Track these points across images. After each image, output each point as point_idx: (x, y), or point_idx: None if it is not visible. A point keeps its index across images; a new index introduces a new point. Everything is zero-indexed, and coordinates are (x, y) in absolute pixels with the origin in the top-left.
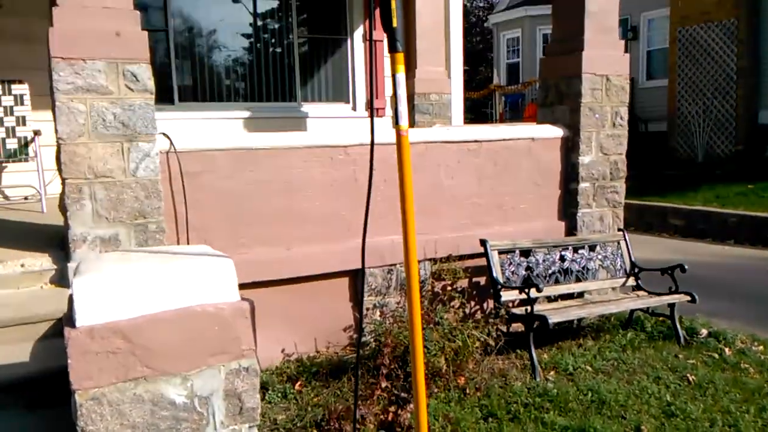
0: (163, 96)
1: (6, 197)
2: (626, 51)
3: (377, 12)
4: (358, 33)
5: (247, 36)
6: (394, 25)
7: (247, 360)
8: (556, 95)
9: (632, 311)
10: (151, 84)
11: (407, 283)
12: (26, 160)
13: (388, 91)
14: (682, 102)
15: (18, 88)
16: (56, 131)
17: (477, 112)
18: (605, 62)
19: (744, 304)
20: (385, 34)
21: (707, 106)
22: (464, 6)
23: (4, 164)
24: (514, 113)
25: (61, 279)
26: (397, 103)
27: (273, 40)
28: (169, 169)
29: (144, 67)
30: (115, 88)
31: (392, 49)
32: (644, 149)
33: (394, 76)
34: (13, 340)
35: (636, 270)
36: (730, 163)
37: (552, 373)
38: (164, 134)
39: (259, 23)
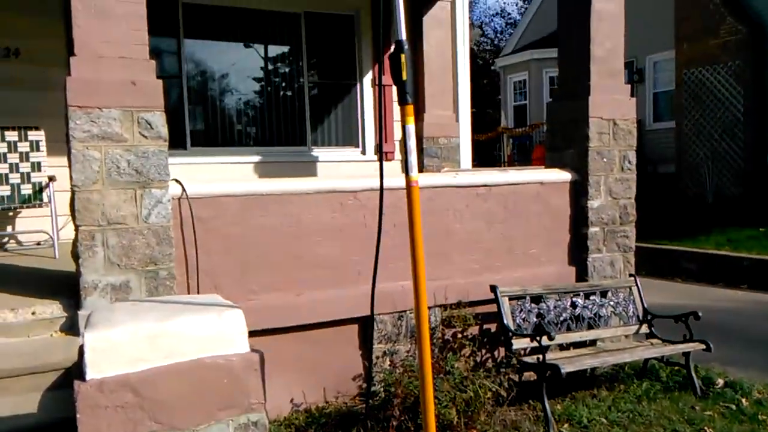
0: (176, 141)
1: (19, 243)
2: (633, 93)
3: (386, 57)
4: (368, 78)
5: (258, 80)
6: (404, 78)
7: (256, 414)
8: (563, 139)
9: (646, 360)
10: (165, 131)
11: (417, 331)
12: (40, 206)
13: (397, 135)
14: (690, 144)
15: (34, 135)
16: (71, 178)
17: (485, 153)
18: (612, 106)
19: (760, 351)
20: (395, 86)
21: (715, 147)
22: (471, 50)
23: (18, 210)
24: (522, 155)
25: (71, 327)
26: (407, 154)
27: (284, 85)
28: (180, 215)
29: (158, 115)
30: (129, 135)
31: (402, 102)
32: (654, 191)
33: (404, 127)
34: (22, 389)
35: (649, 317)
36: (740, 205)
37: (566, 425)
38: (177, 180)
39: (270, 68)
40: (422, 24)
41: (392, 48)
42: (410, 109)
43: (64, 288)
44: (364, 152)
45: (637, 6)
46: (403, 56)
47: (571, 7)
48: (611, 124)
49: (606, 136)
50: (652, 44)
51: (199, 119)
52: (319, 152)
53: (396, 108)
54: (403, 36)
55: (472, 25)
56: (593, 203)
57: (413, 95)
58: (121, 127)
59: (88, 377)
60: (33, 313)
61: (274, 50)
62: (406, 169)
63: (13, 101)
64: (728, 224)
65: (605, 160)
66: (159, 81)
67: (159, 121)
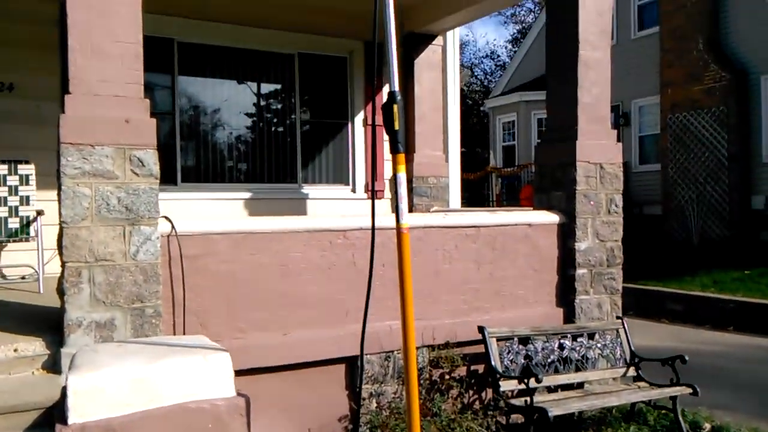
0: (167, 176)
1: (3, 276)
2: (619, 136)
3: (378, 97)
4: (359, 117)
5: (250, 117)
6: (396, 128)
7: None
8: (551, 182)
9: (634, 403)
10: (156, 169)
11: (405, 373)
12: (27, 240)
13: (387, 174)
14: (676, 187)
15: (24, 168)
16: (60, 214)
17: (474, 192)
18: (599, 151)
19: (747, 395)
20: (387, 136)
21: (700, 190)
22: (462, 90)
23: (4, 244)
24: (511, 194)
25: (54, 365)
26: (398, 201)
27: (275, 122)
28: (169, 253)
29: (150, 153)
30: (121, 172)
31: (394, 151)
32: (640, 232)
33: (395, 175)
34: (0, 429)
35: (636, 360)
36: (725, 247)
37: None
38: (166, 218)
39: (263, 105)
40: (414, 66)
41: (384, 96)
42: (401, 157)
43: (48, 324)
44: (354, 190)
45: (623, 52)
46: (395, 107)
47: (558, 55)
48: (598, 168)
49: (593, 180)
50: (638, 89)
51: (190, 155)
52: (309, 189)
53: (387, 147)
54: (396, 87)
55: (462, 66)
56: (581, 245)
57: (403, 134)
58: (113, 165)
59: (70, 421)
60: (15, 350)
61: (267, 88)
62: (396, 215)
63: (5, 135)
64: (714, 266)
65: (592, 203)
66: (152, 119)
67: (151, 159)
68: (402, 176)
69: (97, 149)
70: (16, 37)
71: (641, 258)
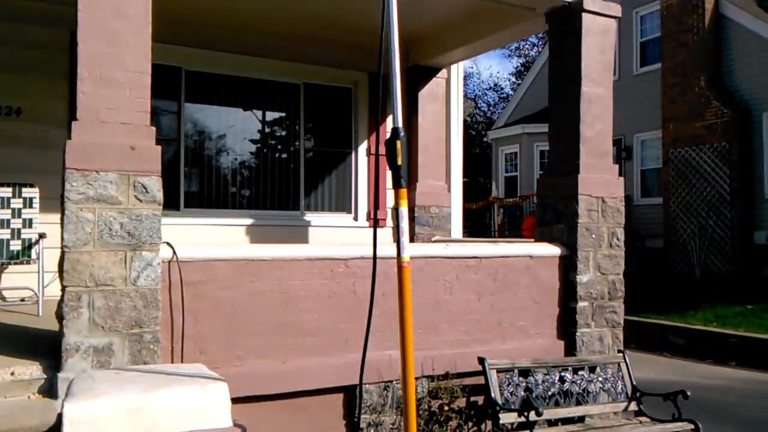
0: (170, 202)
1: (3, 298)
2: (621, 169)
3: (382, 128)
4: (362, 147)
5: (254, 144)
6: (399, 163)
7: None
8: (553, 214)
9: None
10: (160, 196)
11: (404, 403)
12: (28, 263)
13: (389, 203)
14: (678, 221)
15: (28, 192)
16: (62, 238)
17: (476, 222)
18: (601, 185)
19: (749, 430)
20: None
21: (702, 225)
22: (465, 121)
23: (5, 266)
24: (513, 225)
25: (50, 389)
26: (400, 235)
27: (280, 149)
28: (169, 278)
29: (155, 180)
30: (124, 198)
31: (397, 185)
32: (642, 265)
33: (397, 209)
34: None
35: (638, 394)
36: (728, 281)
37: None
38: (168, 243)
39: (267, 132)
40: (418, 98)
41: (388, 126)
42: (404, 192)
43: (45, 348)
44: (356, 218)
45: (625, 87)
46: (398, 142)
47: (561, 90)
48: (600, 202)
49: (595, 213)
50: (640, 124)
51: (194, 180)
52: (311, 217)
53: (389, 176)
54: (400, 123)
55: (465, 97)
56: (582, 278)
57: (406, 164)
58: (117, 191)
59: None
60: (12, 374)
61: (272, 116)
62: (398, 249)
63: (11, 158)
64: (716, 300)
65: (594, 236)
66: (158, 146)
67: (155, 185)
68: (404, 210)
69: (102, 175)
70: (26, 63)
71: (643, 291)
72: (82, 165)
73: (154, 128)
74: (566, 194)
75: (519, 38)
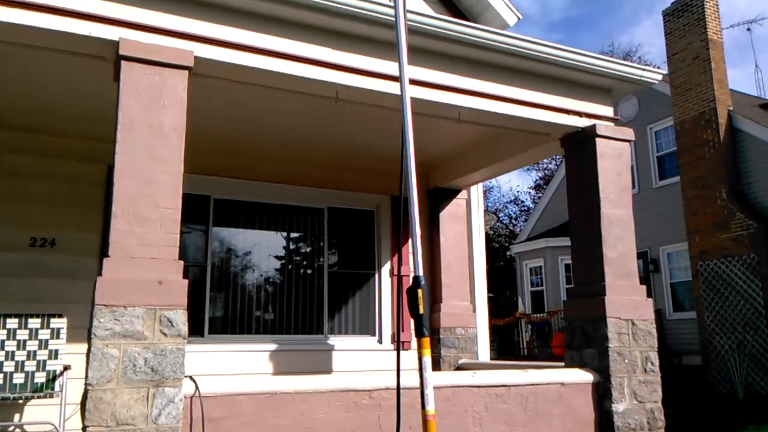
0: (194, 328)
1: None
2: (649, 283)
3: (405, 249)
4: (386, 268)
5: (279, 268)
6: (421, 311)
7: None
8: (582, 338)
9: None
10: (185, 329)
11: None
12: (51, 396)
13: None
14: (714, 336)
15: (56, 322)
16: (86, 376)
17: (504, 338)
18: (629, 306)
19: None
20: (412, 320)
21: (740, 340)
22: (487, 234)
23: (28, 399)
24: (542, 341)
25: None
26: (423, 387)
27: (303, 273)
28: (191, 415)
29: (180, 313)
30: (150, 333)
31: (419, 334)
32: (680, 384)
33: (420, 359)
34: None
35: None
36: None
37: None
38: (191, 378)
39: (292, 256)
40: (439, 219)
41: (410, 247)
42: (426, 341)
43: None
44: (380, 341)
45: (646, 200)
46: (420, 291)
47: (580, 212)
48: (630, 324)
49: (626, 337)
50: (665, 236)
51: (219, 306)
52: (335, 341)
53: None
54: (420, 271)
55: (487, 211)
56: (618, 407)
57: (430, 285)
58: (143, 325)
59: None
60: None
61: (297, 240)
62: (422, 402)
63: (42, 289)
64: (762, 421)
65: (627, 360)
66: (185, 280)
67: (180, 319)
68: (427, 360)
69: (129, 310)
70: (62, 196)
71: (684, 412)
72: (111, 301)
73: (182, 262)
74: (594, 317)
75: (536, 161)
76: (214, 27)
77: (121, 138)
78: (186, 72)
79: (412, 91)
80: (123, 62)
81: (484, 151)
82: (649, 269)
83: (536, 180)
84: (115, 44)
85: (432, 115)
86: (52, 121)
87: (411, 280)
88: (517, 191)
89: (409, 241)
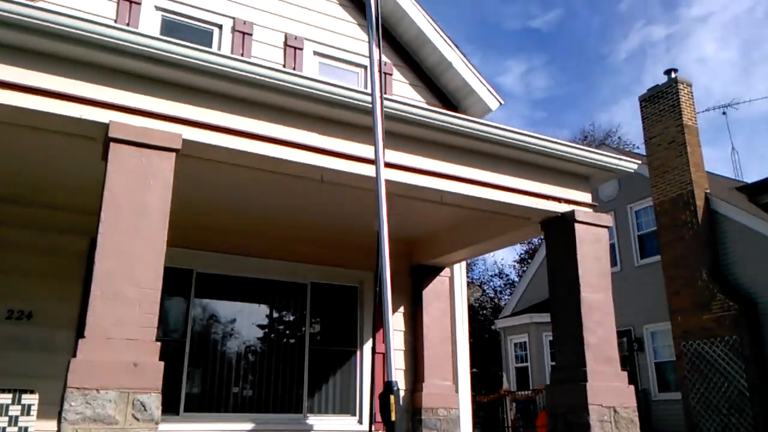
0: (170, 405)
1: None
2: (634, 362)
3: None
4: (367, 346)
5: (259, 342)
6: (393, 419)
7: None
8: (565, 425)
9: None
10: (158, 414)
11: None
12: None
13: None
14: (700, 418)
15: (28, 398)
16: None
17: (488, 414)
18: (611, 393)
19: None
20: (384, 426)
21: (725, 423)
22: (471, 307)
23: None
24: (526, 420)
25: None
26: None
27: (284, 348)
28: None
29: (154, 397)
30: (121, 417)
31: None
32: None
33: None
34: None
35: None
36: None
37: None
38: None
39: (272, 331)
40: (422, 296)
41: (393, 327)
42: None
43: None
44: (360, 421)
45: (628, 278)
46: (392, 397)
47: (561, 295)
48: (612, 412)
49: (608, 425)
50: (648, 314)
51: (195, 382)
52: (314, 420)
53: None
54: (393, 375)
55: (472, 283)
56: None
57: (412, 363)
58: (115, 409)
59: None
60: None
61: (278, 315)
62: None
63: (16, 363)
64: None
65: None
66: (161, 363)
67: (154, 403)
68: None
69: (101, 393)
70: (41, 268)
71: None
72: (83, 384)
73: (158, 344)
74: (576, 404)
75: (518, 242)
76: (202, 111)
77: (104, 217)
78: (173, 154)
79: (395, 175)
80: (112, 144)
81: (467, 232)
82: (633, 348)
83: (520, 254)
84: (105, 126)
85: (414, 198)
86: (35, 193)
87: (383, 385)
88: (502, 264)
89: (395, 314)
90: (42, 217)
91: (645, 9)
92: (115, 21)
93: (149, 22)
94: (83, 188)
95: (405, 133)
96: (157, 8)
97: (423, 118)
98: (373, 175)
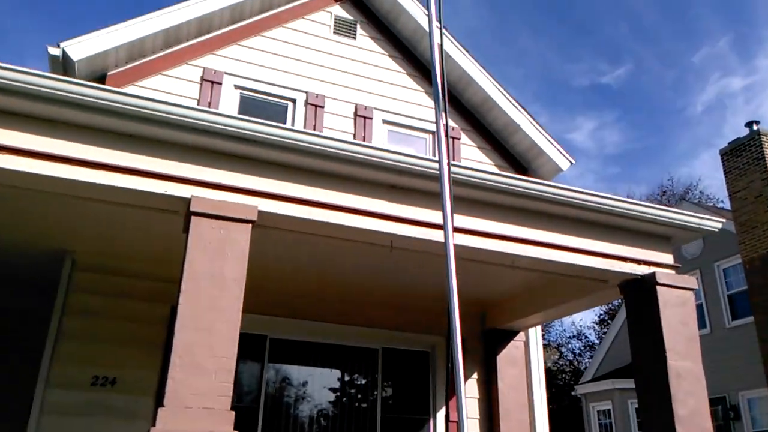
0: None
1: None
2: (731, 430)
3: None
4: (441, 413)
5: (331, 412)
6: None
7: None
8: None
9: None
10: None
11: None
12: None
13: None
14: None
15: None
16: None
17: None
18: None
19: None
20: None
21: None
22: (549, 370)
23: None
24: None
25: None
26: None
27: (356, 417)
28: None
29: None
30: None
31: None
32: None
33: None
34: None
35: None
36: None
37: None
38: None
39: (344, 397)
40: (497, 362)
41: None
42: None
43: None
44: None
45: (718, 340)
46: None
47: (646, 363)
48: None
49: None
50: (744, 380)
51: None
52: None
53: None
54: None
55: (548, 346)
56: None
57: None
58: None
59: None
60: None
61: (350, 382)
62: None
63: (100, 428)
64: None
65: None
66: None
67: None
68: None
69: None
70: (124, 335)
71: None
72: None
73: (233, 413)
74: None
75: (596, 305)
76: (276, 183)
77: (184, 288)
78: (249, 225)
79: (463, 240)
80: (193, 217)
81: (542, 295)
82: (728, 416)
83: (600, 314)
84: (186, 201)
85: (484, 262)
86: (122, 263)
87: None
88: (581, 326)
89: (467, 382)
90: (129, 285)
91: (720, 61)
92: (198, 100)
93: (229, 100)
94: (164, 257)
95: (472, 198)
96: (237, 87)
97: (489, 182)
98: (442, 240)
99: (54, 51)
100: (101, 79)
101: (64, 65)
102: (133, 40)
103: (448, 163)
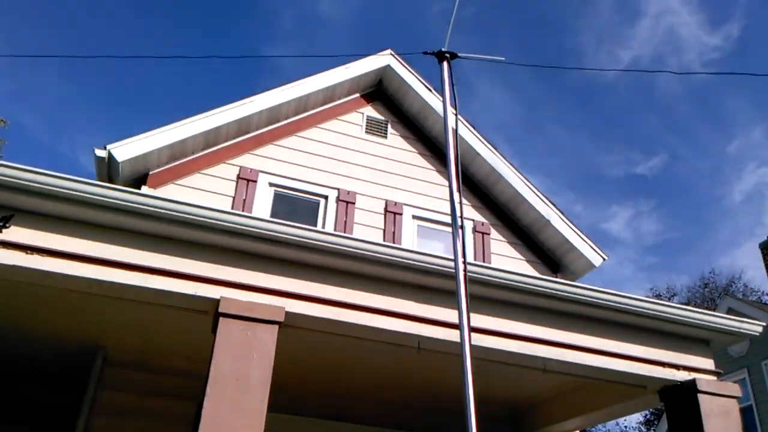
0: None
1: None
2: None
3: None
4: None
5: None
6: None
7: None
8: None
9: None
10: None
11: None
12: None
13: None
14: None
15: None
16: None
17: None
18: None
19: None
20: None
21: None
22: None
23: None
24: None
25: None
26: None
27: None
28: None
29: None
30: None
31: None
32: None
33: None
34: None
35: None
36: None
37: None
38: None
39: None
40: None
41: None
42: None
43: None
44: None
45: None
46: None
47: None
48: None
49: None
50: None
51: None
52: None
53: None
54: None
55: None
56: None
57: None
58: None
59: None
60: None
61: None
62: None
63: None
64: None
65: None
66: None
67: None
68: None
69: None
70: (161, 413)
71: None
72: None
73: None
74: None
75: (635, 412)
76: (304, 284)
77: (210, 392)
78: (276, 326)
79: (492, 342)
80: (221, 318)
81: (577, 400)
82: None
83: (646, 414)
84: (215, 302)
85: (515, 365)
86: (152, 359)
87: None
88: (625, 426)
89: None
90: (154, 382)
91: (756, 150)
92: (234, 197)
93: (263, 197)
94: (193, 355)
95: (498, 298)
96: (271, 184)
97: (510, 282)
98: (476, 342)
99: (100, 153)
100: (143, 177)
101: (109, 166)
102: (174, 141)
103: (464, 262)
